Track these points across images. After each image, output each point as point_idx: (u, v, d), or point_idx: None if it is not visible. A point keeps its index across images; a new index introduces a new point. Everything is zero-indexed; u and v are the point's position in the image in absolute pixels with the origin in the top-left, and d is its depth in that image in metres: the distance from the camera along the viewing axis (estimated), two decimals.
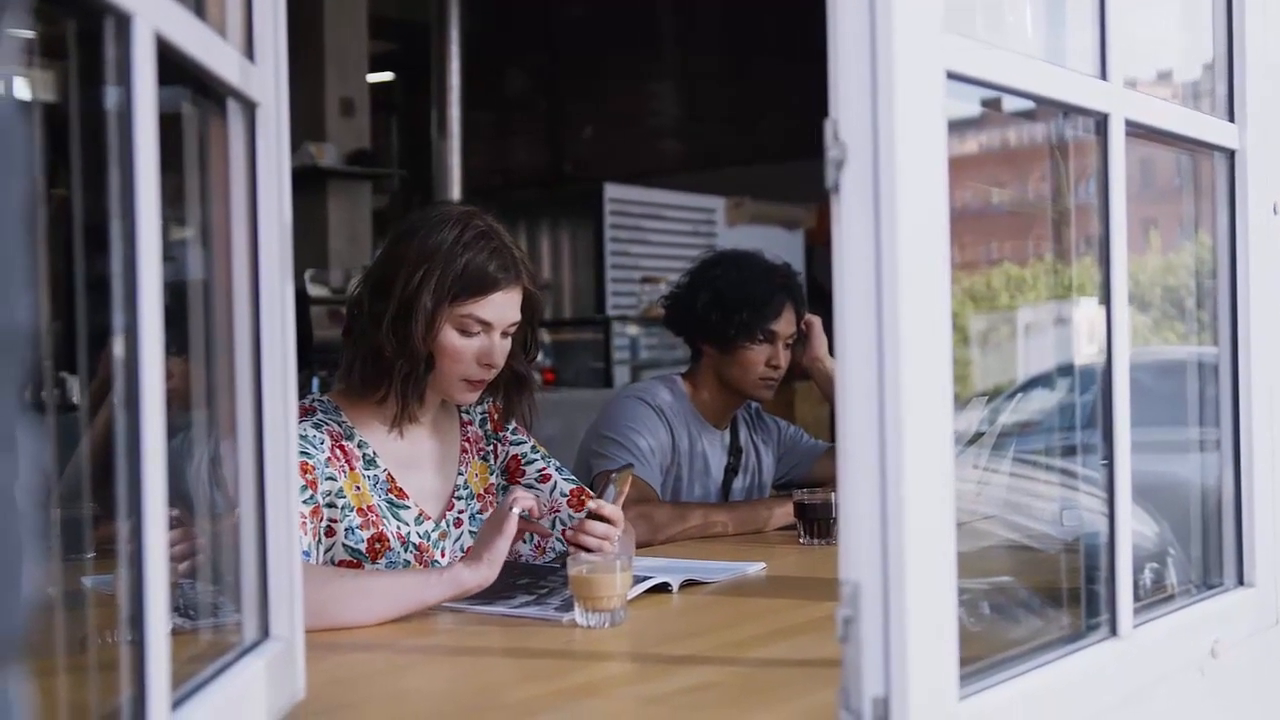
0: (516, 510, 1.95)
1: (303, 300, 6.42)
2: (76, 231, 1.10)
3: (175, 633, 1.05)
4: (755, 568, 2.31)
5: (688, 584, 2.13)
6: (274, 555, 1.36)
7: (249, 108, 1.32)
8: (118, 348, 0.99)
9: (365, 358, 2.14)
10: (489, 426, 2.36)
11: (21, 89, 0.63)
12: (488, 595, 1.98)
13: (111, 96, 0.98)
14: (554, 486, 2.34)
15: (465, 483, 2.29)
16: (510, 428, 2.38)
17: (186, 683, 1.15)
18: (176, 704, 1.08)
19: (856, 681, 1.16)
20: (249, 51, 1.32)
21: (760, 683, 1.56)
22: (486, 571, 1.92)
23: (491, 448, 2.36)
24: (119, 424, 0.99)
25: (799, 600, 2.05)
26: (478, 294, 2.12)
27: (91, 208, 1.03)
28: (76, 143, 1.05)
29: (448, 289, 2.10)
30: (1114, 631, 1.50)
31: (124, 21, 0.96)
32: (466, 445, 2.32)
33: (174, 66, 1.08)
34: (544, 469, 2.37)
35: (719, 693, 1.51)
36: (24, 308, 0.59)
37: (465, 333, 2.13)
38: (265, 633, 1.36)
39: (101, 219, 1.01)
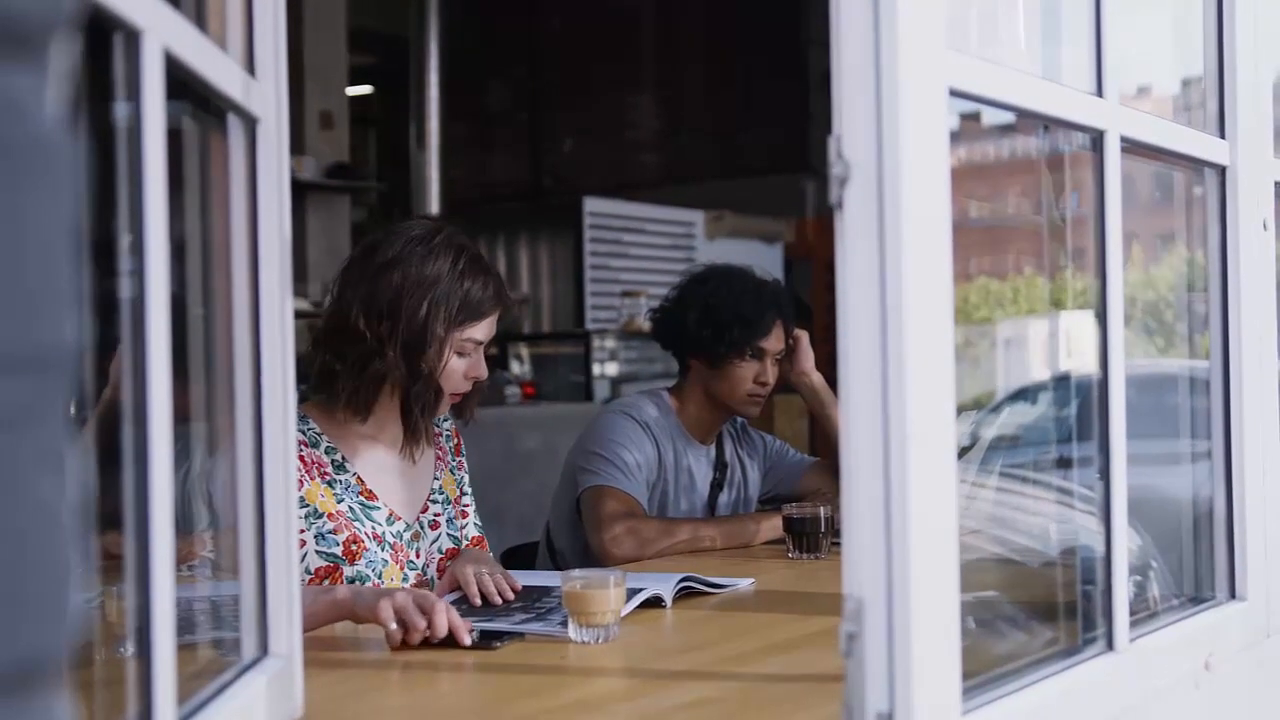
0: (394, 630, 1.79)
1: None
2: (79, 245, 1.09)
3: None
4: (745, 583, 2.31)
5: (681, 595, 2.13)
6: (273, 572, 1.35)
7: (250, 123, 1.31)
8: (125, 362, 0.98)
9: (369, 384, 2.18)
10: (451, 445, 2.44)
11: (69, 107, 0.63)
12: (486, 613, 1.98)
13: (120, 111, 0.97)
14: (465, 525, 2.41)
15: (440, 488, 2.36)
16: (464, 454, 2.46)
17: (188, 700, 1.14)
18: None
19: (860, 696, 1.16)
20: (250, 66, 1.31)
21: (759, 698, 1.56)
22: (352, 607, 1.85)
23: (454, 464, 2.44)
24: (126, 439, 0.98)
25: (792, 615, 2.05)
26: (479, 318, 2.22)
27: (94, 222, 1.03)
28: (81, 156, 1.04)
29: (455, 318, 2.19)
30: (1111, 645, 1.51)
31: (133, 37, 0.96)
32: (440, 455, 2.39)
33: (175, 80, 1.08)
34: (468, 505, 2.45)
35: (718, 708, 1.51)
36: (71, 327, 0.59)
37: (461, 355, 2.22)
38: (264, 650, 1.35)
39: (104, 233, 1.01)
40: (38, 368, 0.57)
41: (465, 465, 2.46)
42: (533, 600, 2.07)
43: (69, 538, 0.58)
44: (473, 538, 2.41)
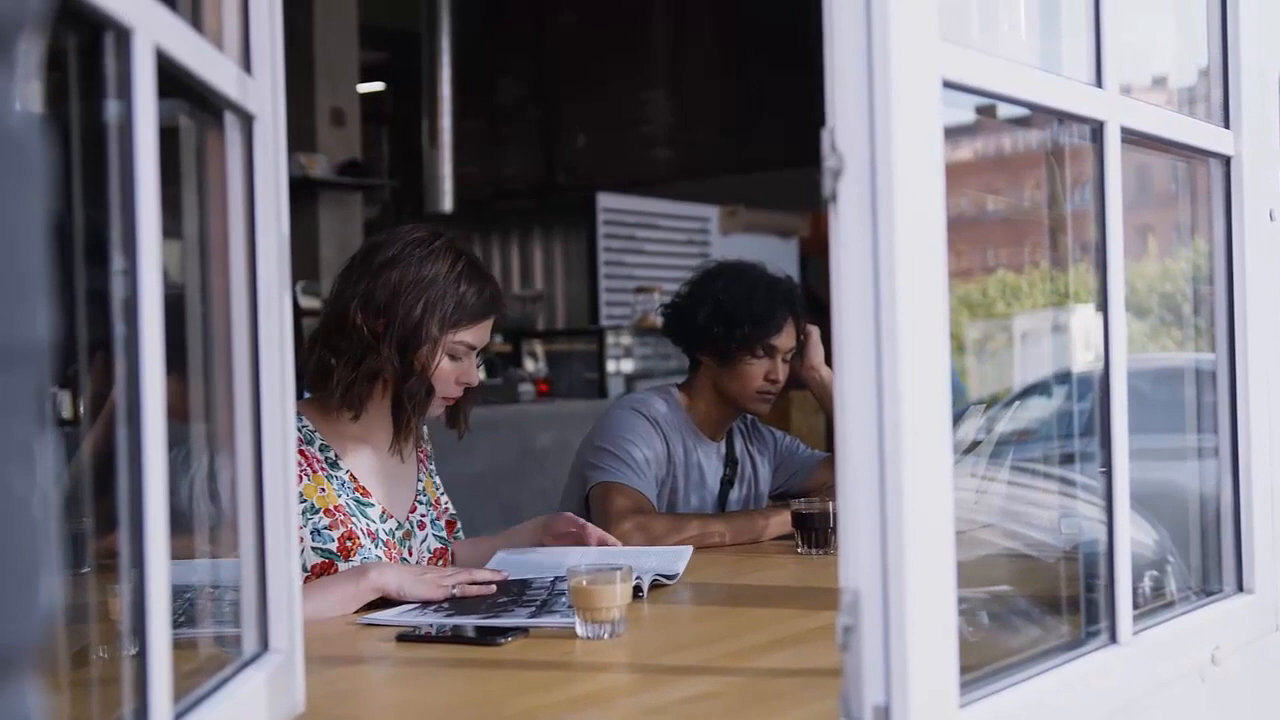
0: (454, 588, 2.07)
1: (294, 312, 6.41)
2: (72, 244, 1.10)
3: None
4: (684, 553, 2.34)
5: (656, 585, 2.17)
6: (273, 568, 1.36)
7: (246, 120, 1.31)
8: (118, 361, 0.99)
9: (363, 379, 2.22)
10: (429, 452, 2.48)
11: (38, 102, 0.64)
12: (490, 611, 1.97)
13: (111, 109, 0.97)
14: (426, 537, 2.39)
15: (424, 489, 2.40)
16: (432, 461, 2.49)
17: (186, 696, 1.15)
18: (177, 718, 1.08)
19: (857, 689, 1.16)
20: (246, 64, 1.32)
21: (761, 692, 1.56)
22: (394, 580, 2.05)
23: (431, 469, 2.47)
24: (120, 439, 0.98)
25: (798, 610, 2.05)
26: (473, 322, 2.26)
27: (88, 220, 1.03)
28: (74, 155, 1.04)
29: (449, 318, 2.22)
30: (1114, 638, 1.50)
31: (124, 35, 0.96)
32: (422, 458, 2.44)
33: (170, 79, 1.08)
34: (448, 504, 2.47)
35: (721, 702, 1.51)
36: (42, 320, 0.59)
37: (453, 358, 2.26)
38: (265, 645, 1.35)
39: (98, 231, 1.01)
40: (8, 361, 0.57)
41: (435, 470, 2.49)
42: (518, 594, 2.07)
43: (40, 529, 0.58)
44: (435, 550, 2.40)
